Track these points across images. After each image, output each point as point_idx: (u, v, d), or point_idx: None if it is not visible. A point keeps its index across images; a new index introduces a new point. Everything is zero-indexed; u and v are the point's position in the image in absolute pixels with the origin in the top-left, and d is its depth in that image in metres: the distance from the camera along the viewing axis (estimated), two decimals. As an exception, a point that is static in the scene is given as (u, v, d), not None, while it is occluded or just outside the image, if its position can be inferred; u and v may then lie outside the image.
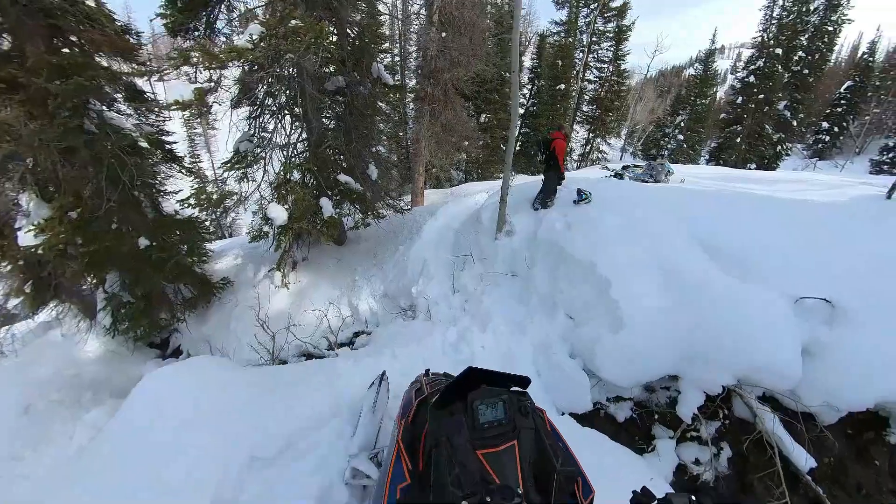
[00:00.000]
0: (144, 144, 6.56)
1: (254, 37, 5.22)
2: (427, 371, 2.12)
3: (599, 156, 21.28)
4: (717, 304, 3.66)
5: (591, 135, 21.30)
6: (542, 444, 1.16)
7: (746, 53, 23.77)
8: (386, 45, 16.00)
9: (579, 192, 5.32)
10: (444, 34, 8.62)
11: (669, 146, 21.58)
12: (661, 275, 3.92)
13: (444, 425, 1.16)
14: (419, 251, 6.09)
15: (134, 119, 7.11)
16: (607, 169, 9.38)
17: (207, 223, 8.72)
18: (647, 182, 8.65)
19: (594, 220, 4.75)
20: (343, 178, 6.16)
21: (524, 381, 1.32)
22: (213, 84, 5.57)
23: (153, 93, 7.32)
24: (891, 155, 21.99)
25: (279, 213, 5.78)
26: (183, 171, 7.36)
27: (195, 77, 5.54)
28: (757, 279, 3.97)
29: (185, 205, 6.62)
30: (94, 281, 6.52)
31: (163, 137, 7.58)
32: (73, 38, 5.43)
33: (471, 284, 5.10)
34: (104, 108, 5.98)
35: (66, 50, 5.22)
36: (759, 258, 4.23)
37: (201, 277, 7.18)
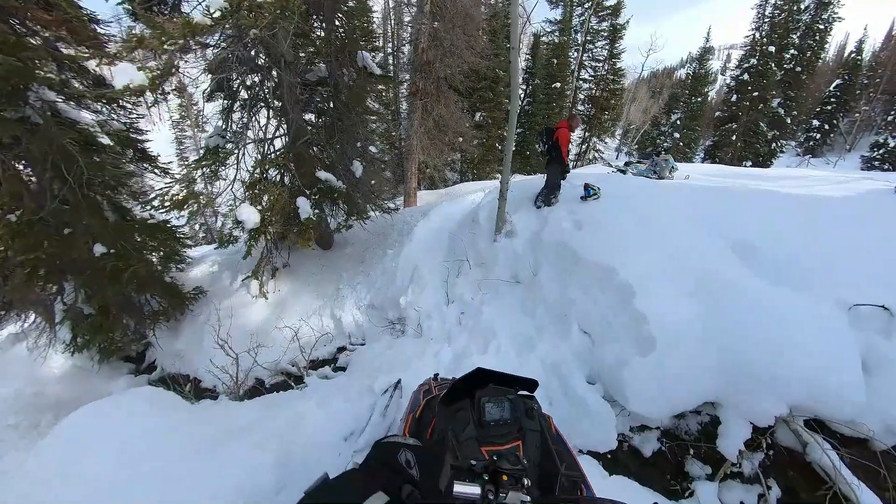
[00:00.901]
0: (106, 141, 5.82)
1: (211, 10, 4.51)
2: (436, 375, 2.04)
3: (596, 154, 20.78)
4: (761, 316, 3.03)
5: (587, 133, 20.80)
6: (546, 446, 1.13)
7: (736, 55, 23.50)
8: (379, 42, 15.34)
9: (587, 186, 4.69)
10: (436, 24, 7.98)
11: (665, 144, 21.15)
12: (690, 281, 3.28)
13: (450, 420, 1.15)
14: (410, 256, 5.40)
15: (103, 115, 6.44)
16: (610, 165, 8.80)
17: (195, 227, 8.01)
18: (650, 178, 8.06)
19: (607, 219, 4.11)
20: (323, 174, 5.46)
21: (531, 384, 1.31)
22: (171, 68, 4.83)
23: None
24: (881, 151, 21.75)
25: (250, 215, 5.06)
26: (156, 171, 6.64)
27: (155, 61, 4.83)
28: (800, 285, 3.35)
29: (149, 207, 5.88)
30: (53, 291, 5.76)
31: (134, 135, 6.93)
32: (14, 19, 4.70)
33: (468, 293, 4.43)
34: (58, 99, 5.23)
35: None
36: (796, 260, 3.61)
37: (170, 287, 6.43)
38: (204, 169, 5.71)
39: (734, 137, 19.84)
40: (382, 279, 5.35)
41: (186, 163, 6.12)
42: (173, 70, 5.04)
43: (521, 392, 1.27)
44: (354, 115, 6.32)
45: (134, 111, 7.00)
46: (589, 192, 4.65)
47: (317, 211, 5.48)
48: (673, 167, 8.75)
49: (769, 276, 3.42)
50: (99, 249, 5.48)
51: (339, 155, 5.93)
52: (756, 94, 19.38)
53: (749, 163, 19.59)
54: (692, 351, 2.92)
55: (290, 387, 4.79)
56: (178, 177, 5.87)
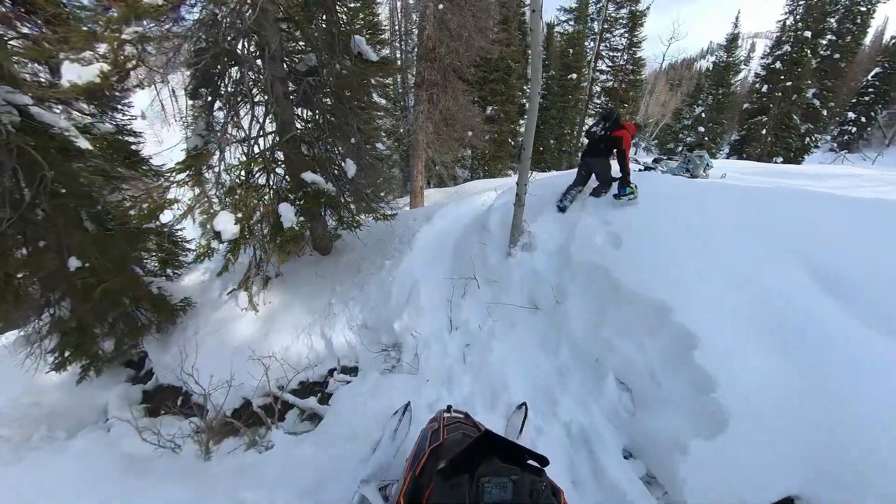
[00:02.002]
0: (84, 145, 5.19)
1: (164, -12, 3.79)
2: (449, 407, 1.86)
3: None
4: (867, 379, 2.16)
5: (603, 128, 19.50)
6: None
7: (762, 44, 21.63)
8: (385, 35, 14.46)
9: (623, 183, 3.80)
10: (441, 5, 7.08)
11: (689, 139, 19.68)
12: (768, 326, 2.43)
13: (445, 495, 1.04)
14: (408, 269, 4.64)
15: (93, 118, 5.77)
16: (636, 162, 7.81)
17: (191, 234, 7.51)
18: (682, 177, 7.05)
19: (650, 232, 3.23)
20: (310, 177, 4.70)
21: (542, 460, 1.12)
22: (127, 61, 4.13)
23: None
24: (927, 146, 19.76)
25: (227, 225, 4.37)
26: (146, 177, 6.07)
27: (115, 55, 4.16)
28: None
29: (132, 215, 5.28)
30: (41, 302, 5.28)
31: (124, 138, 6.37)
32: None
33: (475, 319, 3.64)
34: (30, 102, 4.63)
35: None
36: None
37: (158, 299, 5.85)
38: (181, 174, 5.03)
39: (764, 131, 18.26)
40: (377, 295, 4.61)
41: (159, 168, 5.40)
42: (130, 64, 4.36)
43: (529, 462, 1.11)
44: (347, 108, 5.52)
45: (126, 112, 6.50)
46: (624, 191, 3.76)
47: (302, 219, 4.75)
48: (708, 164, 7.69)
49: (871, 319, 2.52)
50: (74, 263, 4.92)
51: (329, 154, 5.17)
52: (789, 83, 17.73)
53: (780, 159, 18.02)
54: (774, 429, 2.08)
55: (274, 412, 4.26)
56: (150, 185, 5.26)
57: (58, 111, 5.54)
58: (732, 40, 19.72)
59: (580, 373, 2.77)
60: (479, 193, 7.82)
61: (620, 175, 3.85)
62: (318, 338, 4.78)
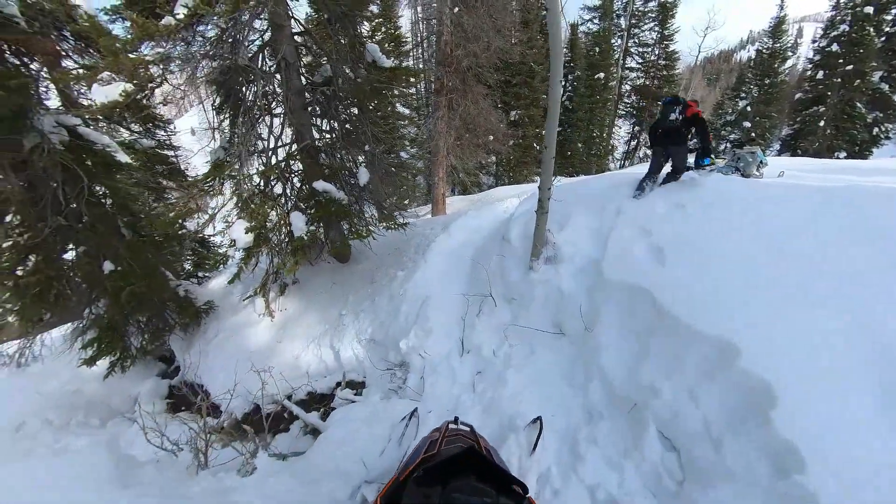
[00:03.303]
0: (124, 159, 5.48)
1: (189, 5, 3.75)
2: (456, 419, 1.68)
3: (649, 152, 18.09)
4: None
5: (635, 128, 18.20)
6: None
7: (809, 29, 19.27)
8: (408, 48, 14.40)
9: (705, 152, 3.54)
10: (456, 9, 6.72)
11: (732, 136, 17.85)
12: (881, 378, 1.73)
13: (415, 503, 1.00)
14: (421, 282, 4.23)
15: (136, 134, 6.13)
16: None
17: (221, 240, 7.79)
18: (731, 176, 6.11)
19: (702, 244, 2.58)
20: (321, 185, 4.47)
21: (523, 487, 1.04)
22: (146, 81, 4.17)
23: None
24: None
25: (242, 233, 4.24)
26: (191, 190, 6.36)
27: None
28: None
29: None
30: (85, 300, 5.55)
31: (163, 152, 6.84)
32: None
33: (489, 342, 3.14)
34: (78, 122, 4.93)
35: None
36: None
37: (183, 301, 5.95)
38: (205, 185, 5.07)
39: (821, 123, 16.12)
40: (387, 309, 4.24)
41: (185, 181, 5.52)
42: (154, 83, 4.44)
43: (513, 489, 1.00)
44: (362, 116, 5.30)
45: (165, 128, 6.96)
46: (705, 161, 3.52)
47: (313, 227, 4.53)
48: (762, 161, 6.64)
49: None
50: (108, 267, 5.14)
51: (343, 162, 4.93)
52: (850, 67, 15.56)
53: (842, 153, 15.80)
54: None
55: (282, 419, 4.22)
56: (176, 196, 5.38)
57: (103, 129, 5.96)
58: (778, 24, 17.63)
59: (613, 419, 2.19)
60: (502, 200, 7.31)
61: (701, 146, 3.71)
62: (328, 349, 4.51)
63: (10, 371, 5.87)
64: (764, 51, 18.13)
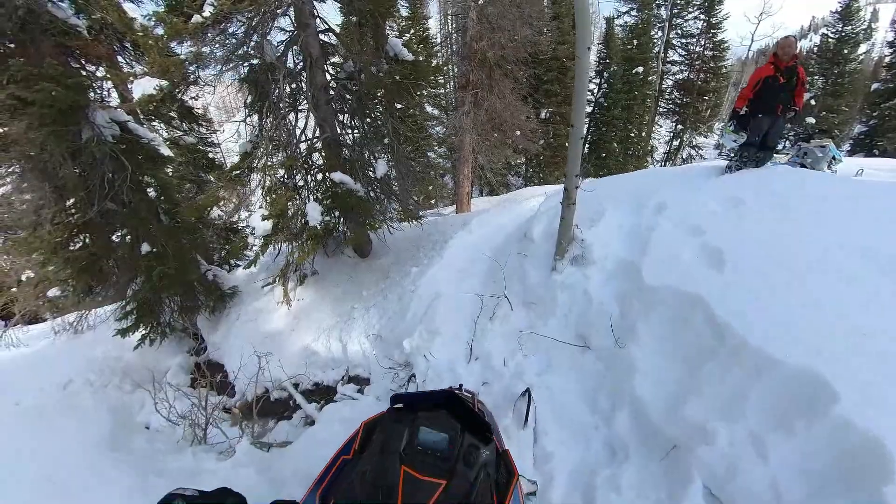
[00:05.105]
0: (167, 152, 5.80)
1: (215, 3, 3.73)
2: (460, 386, 1.63)
3: (693, 152, 16.37)
4: None
5: (678, 126, 16.58)
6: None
7: (887, 12, 16.56)
8: (436, 48, 14.13)
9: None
10: (480, 0, 6.31)
11: (791, 133, 15.71)
12: None
13: (388, 426, 1.04)
14: (434, 280, 3.87)
15: (180, 131, 6.48)
16: (728, 158, 5.99)
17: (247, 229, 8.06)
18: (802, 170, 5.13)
19: (779, 247, 1.98)
20: (338, 176, 4.28)
21: (487, 429, 1.08)
22: (177, 78, 4.24)
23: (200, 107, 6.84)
24: None
25: (261, 222, 4.19)
26: (220, 181, 6.63)
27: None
28: None
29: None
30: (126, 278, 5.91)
31: (203, 148, 7.07)
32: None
33: (500, 351, 2.71)
34: (128, 119, 5.26)
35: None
36: None
37: (210, 285, 6.12)
38: (232, 175, 5.16)
39: (905, 116, 13.70)
40: (396, 306, 3.94)
41: (219, 172, 5.71)
42: (183, 80, 4.56)
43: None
44: (385, 110, 5.09)
45: (205, 125, 7.35)
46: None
47: (327, 218, 4.38)
48: (835, 157, 5.53)
49: None
50: (145, 248, 5.42)
51: (360, 154, 4.72)
52: (945, 53, 13.07)
53: (932, 151, 13.30)
54: None
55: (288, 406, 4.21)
56: (214, 185, 5.55)
57: (154, 125, 6.35)
58: (850, 3, 15.12)
59: (643, 463, 1.68)
60: (528, 199, 6.80)
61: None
62: (337, 342, 4.35)
63: (68, 337, 6.43)
64: (831, 35, 15.72)
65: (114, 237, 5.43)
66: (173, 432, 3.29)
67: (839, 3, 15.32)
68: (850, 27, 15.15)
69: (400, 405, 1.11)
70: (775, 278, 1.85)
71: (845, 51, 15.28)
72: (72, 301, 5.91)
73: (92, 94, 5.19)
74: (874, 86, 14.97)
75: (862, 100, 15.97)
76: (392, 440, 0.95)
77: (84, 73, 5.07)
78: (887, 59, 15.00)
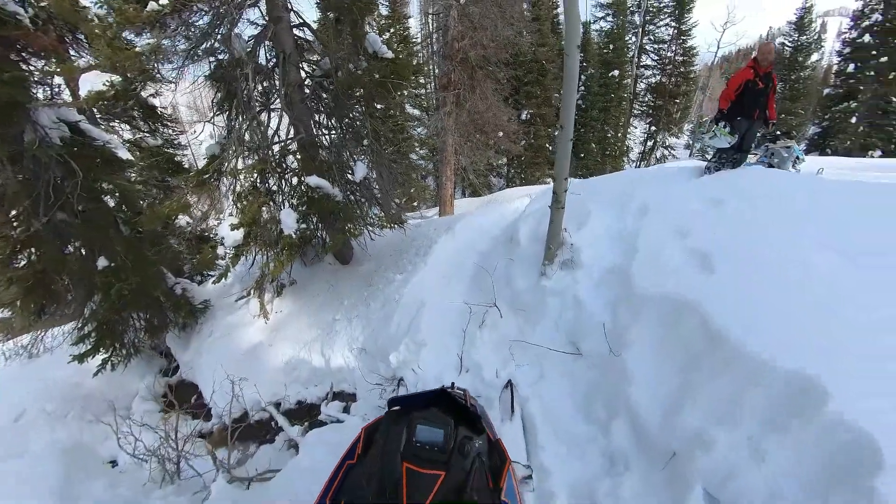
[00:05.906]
0: (126, 156, 5.25)
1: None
2: (452, 384, 1.65)
3: (666, 152, 16.99)
4: None
5: (651, 128, 17.16)
6: (463, 491, 0.95)
7: (834, 24, 17.81)
8: (417, 48, 13.93)
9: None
10: (462, 0, 6.19)
11: (762, 133, 16.55)
12: None
13: (387, 428, 1.08)
14: (418, 288, 3.71)
15: (141, 131, 6.02)
16: (705, 158, 6.17)
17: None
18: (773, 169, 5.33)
19: (760, 245, 1.96)
20: (314, 180, 4.01)
21: (477, 420, 1.15)
22: (142, 72, 3.85)
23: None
24: None
25: (229, 231, 3.85)
26: (185, 186, 6.09)
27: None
28: None
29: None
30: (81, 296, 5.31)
31: (168, 150, 6.65)
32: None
33: (491, 362, 2.59)
34: (80, 118, 4.69)
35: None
36: None
37: (179, 300, 5.63)
38: (198, 179, 4.73)
39: (853, 120, 14.73)
40: (379, 316, 3.74)
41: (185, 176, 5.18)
42: (140, 76, 4.13)
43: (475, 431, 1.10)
44: (363, 109, 4.84)
45: (171, 125, 6.84)
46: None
47: (304, 225, 4.10)
48: (799, 157, 5.79)
49: None
50: (102, 262, 4.86)
51: (338, 156, 4.47)
52: (884, 59, 14.14)
53: (878, 152, 14.36)
54: None
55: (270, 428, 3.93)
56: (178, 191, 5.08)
57: (114, 125, 5.77)
58: (804, 16, 16.22)
59: (643, 472, 1.61)
60: (513, 201, 6.72)
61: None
62: (319, 356, 4.08)
63: (22, 362, 5.80)
64: (788, 44, 16.79)
65: (66, 251, 4.88)
66: (140, 471, 2.93)
67: (795, 14, 16.36)
68: (805, 37, 16.18)
69: (397, 407, 1.15)
70: (760, 280, 1.83)
71: (800, 58, 16.31)
72: (21, 324, 5.28)
73: (40, 91, 4.67)
74: (826, 91, 16.02)
75: (815, 103, 17.07)
76: (392, 440, 0.99)
77: (26, 67, 4.53)
78: (836, 67, 16.07)
